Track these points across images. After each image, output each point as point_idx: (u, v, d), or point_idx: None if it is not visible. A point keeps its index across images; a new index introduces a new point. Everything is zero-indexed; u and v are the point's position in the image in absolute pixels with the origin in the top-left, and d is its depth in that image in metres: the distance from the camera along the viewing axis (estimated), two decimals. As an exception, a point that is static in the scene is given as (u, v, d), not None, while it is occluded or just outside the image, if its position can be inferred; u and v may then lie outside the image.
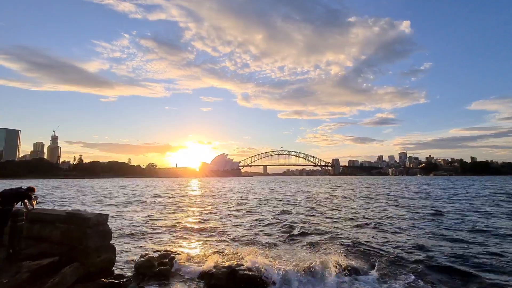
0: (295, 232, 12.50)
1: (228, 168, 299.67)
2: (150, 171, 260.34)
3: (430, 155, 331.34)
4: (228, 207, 22.85)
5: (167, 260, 7.99)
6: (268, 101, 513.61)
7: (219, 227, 14.20)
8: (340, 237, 11.50)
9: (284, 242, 10.95)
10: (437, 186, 54.19)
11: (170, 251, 9.25)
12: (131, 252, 9.70)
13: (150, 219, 16.82)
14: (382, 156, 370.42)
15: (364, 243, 10.42)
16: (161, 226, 14.61)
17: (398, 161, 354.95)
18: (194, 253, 9.59)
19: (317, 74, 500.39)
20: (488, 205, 22.53)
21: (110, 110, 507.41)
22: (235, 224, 15.19)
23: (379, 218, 16.33)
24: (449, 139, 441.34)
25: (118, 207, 23.32)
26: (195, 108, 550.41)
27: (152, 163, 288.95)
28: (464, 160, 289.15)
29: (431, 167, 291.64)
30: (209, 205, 24.87)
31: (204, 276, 6.92)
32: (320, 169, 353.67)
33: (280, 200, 28.51)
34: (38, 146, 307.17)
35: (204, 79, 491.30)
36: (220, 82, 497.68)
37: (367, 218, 16.34)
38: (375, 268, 7.80)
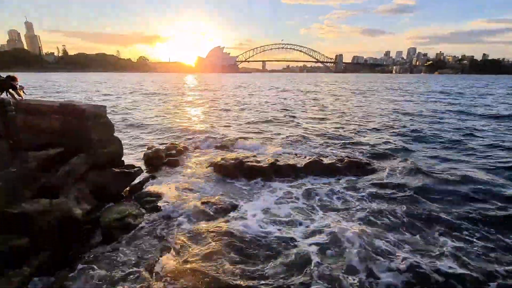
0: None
1: (225, 64, 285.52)
2: (141, 65, 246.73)
3: (440, 51, 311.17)
4: (226, 103, 22.61)
5: (174, 152, 8.11)
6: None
7: (221, 122, 14.25)
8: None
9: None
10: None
11: (176, 143, 9.37)
12: (138, 144, 9.86)
13: (156, 114, 16.74)
14: (389, 52, 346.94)
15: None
16: (167, 120, 14.63)
17: (405, 58, 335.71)
18: (200, 146, 9.78)
19: None
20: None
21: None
22: (236, 117, 15.22)
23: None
24: (466, 33, 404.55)
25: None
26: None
27: (143, 57, 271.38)
28: (475, 58, 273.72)
29: (438, 65, 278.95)
30: (210, 100, 24.58)
31: (214, 165, 7.12)
32: (321, 65, 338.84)
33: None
34: (14, 35, 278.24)
35: None
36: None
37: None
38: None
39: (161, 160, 7.55)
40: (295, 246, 3.98)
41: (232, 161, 7.03)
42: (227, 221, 4.70)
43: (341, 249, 3.95)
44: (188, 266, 3.41)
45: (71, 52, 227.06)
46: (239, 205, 5.33)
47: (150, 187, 5.94)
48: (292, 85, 51.49)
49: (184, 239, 4.07)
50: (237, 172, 6.82)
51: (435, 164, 7.97)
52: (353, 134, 11.47)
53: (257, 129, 12.46)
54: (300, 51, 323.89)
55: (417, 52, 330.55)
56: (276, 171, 6.82)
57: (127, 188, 5.74)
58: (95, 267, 3.47)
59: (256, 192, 6.06)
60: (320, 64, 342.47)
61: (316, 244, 4.08)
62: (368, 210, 5.18)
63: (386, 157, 8.54)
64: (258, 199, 5.62)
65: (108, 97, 26.67)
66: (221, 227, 4.51)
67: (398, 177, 6.96)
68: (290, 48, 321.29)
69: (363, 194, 5.92)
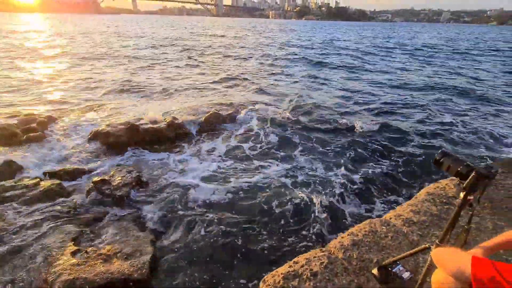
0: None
1: (80, 1, 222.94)
2: None
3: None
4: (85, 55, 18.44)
5: (35, 125, 6.17)
6: None
7: (89, 84, 11.65)
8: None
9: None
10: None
11: (31, 114, 7.09)
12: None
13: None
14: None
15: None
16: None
17: (279, 3, 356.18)
18: (66, 111, 7.80)
19: None
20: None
21: None
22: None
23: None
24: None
25: None
26: None
27: None
28: (330, 5, 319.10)
29: (304, 11, 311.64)
30: (65, 45, 19.24)
31: (98, 135, 5.90)
32: (202, 8, 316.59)
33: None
34: None
35: None
36: None
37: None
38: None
39: (16, 138, 5.62)
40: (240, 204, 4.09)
41: (122, 127, 6.00)
42: (137, 202, 4.13)
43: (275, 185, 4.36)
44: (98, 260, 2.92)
45: None
46: (149, 179, 4.72)
47: (9, 178, 4.43)
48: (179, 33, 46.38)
49: (83, 234, 3.39)
50: (131, 139, 5.93)
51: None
52: (239, 83, 11.89)
53: (132, 86, 10.92)
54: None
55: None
56: (177, 130, 6.37)
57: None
58: None
59: (162, 159, 5.52)
60: (200, 6, 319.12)
61: (261, 189, 4.44)
62: (279, 147, 5.91)
63: (272, 96, 9.41)
64: (169, 168, 5.15)
65: None
66: (134, 209, 3.96)
67: (292, 113, 7.90)
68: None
69: (273, 134, 6.51)
